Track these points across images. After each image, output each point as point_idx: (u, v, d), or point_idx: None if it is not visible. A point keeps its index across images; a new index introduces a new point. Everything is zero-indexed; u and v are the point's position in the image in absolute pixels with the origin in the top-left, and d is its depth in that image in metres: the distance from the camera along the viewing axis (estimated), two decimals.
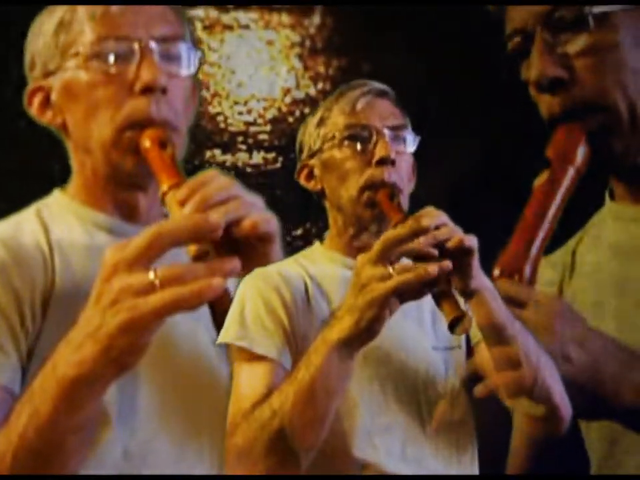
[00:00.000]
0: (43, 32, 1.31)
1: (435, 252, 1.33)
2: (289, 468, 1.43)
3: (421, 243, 1.34)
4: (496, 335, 1.33)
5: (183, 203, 1.04)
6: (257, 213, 1.05)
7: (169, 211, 1.08)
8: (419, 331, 1.67)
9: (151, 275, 0.94)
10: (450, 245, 1.34)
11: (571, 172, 1.31)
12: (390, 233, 1.37)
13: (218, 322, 1.01)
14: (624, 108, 1.29)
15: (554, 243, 1.40)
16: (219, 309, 1.00)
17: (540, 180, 1.32)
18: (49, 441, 1.03)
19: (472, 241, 1.35)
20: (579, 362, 1.27)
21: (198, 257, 1.00)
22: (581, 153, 1.31)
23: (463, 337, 1.68)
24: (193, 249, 1.01)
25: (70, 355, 0.99)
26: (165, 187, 1.09)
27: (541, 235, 1.28)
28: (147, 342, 0.96)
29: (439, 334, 1.67)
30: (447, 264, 1.31)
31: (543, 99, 1.33)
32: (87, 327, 0.97)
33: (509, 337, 1.30)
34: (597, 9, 1.28)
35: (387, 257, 1.35)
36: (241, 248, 1.03)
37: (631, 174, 1.38)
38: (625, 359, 1.27)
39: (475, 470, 1.66)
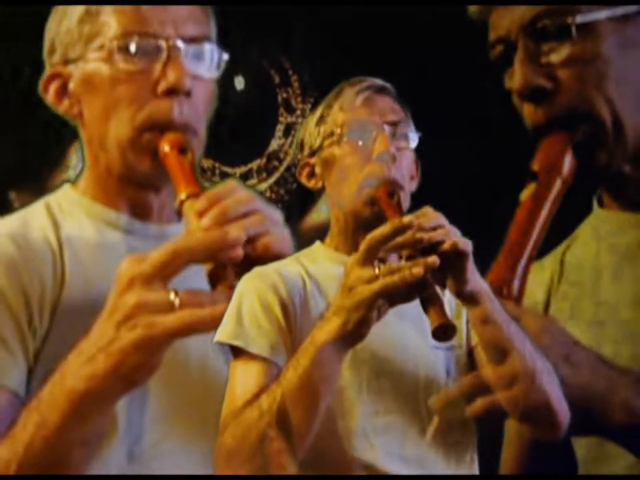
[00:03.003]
0: (67, 18, 1.27)
1: (424, 235, 1.32)
2: (277, 468, 1.42)
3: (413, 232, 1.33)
4: (492, 337, 1.32)
5: (201, 214, 1.01)
6: (274, 231, 1.04)
7: (186, 220, 1.05)
8: (418, 330, 1.65)
9: (171, 295, 0.93)
10: (444, 247, 1.32)
11: (557, 184, 1.31)
12: (374, 232, 1.37)
13: None
14: (608, 118, 1.29)
15: (543, 249, 1.40)
16: None
17: (526, 193, 1.32)
18: (55, 453, 1.01)
19: (466, 244, 1.34)
20: (566, 380, 1.27)
21: (214, 272, 0.98)
22: (567, 165, 1.31)
23: (464, 336, 1.67)
24: (209, 265, 0.99)
25: (80, 367, 0.97)
26: (183, 196, 1.07)
27: (529, 249, 1.28)
28: (159, 361, 0.95)
29: None
30: (433, 260, 1.30)
31: (526, 108, 1.33)
32: (100, 340, 0.95)
33: (506, 340, 1.30)
34: (580, 19, 1.27)
35: (373, 256, 1.35)
36: (255, 261, 1.02)
37: (616, 183, 1.37)
38: (613, 376, 1.27)
39: (474, 470, 1.65)
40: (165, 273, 0.94)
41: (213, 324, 0.92)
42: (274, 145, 3.81)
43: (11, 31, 2.77)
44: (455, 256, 1.32)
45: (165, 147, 1.19)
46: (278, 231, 1.04)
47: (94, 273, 1.23)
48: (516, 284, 1.26)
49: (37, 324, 1.20)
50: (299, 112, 3.78)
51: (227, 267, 0.98)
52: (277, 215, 1.06)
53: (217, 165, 3.61)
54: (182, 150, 1.17)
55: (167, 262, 0.94)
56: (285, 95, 3.82)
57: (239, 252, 0.96)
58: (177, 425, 1.27)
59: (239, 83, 3.76)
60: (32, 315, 1.19)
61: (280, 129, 3.81)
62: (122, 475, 1.22)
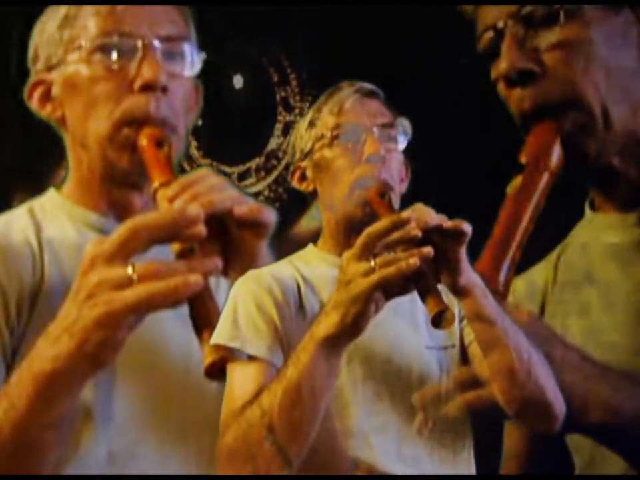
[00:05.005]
0: (47, 26, 1.31)
1: (418, 232, 1.31)
2: (278, 468, 1.42)
3: (411, 228, 1.32)
4: (486, 331, 1.33)
5: (172, 200, 1.04)
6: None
7: (159, 207, 1.07)
8: (412, 330, 1.67)
9: (129, 269, 0.93)
10: (447, 225, 1.31)
11: (545, 177, 1.30)
12: (371, 227, 1.36)
13: (196, 321, 0.99)
14: (596, 104, 1.28)
15: (539, 253, 1.40)
16: (198, 307, 0.98)
17: (513, 186, 1.31)
18: (25, 437, 1.02)
19: (468, 225, 1.32)
20: None
21: (181, 255, 0.99)
22: (555, 156, 1.30)
23: (457, 336, 1.67)
24: (176, 246, 0.99)
25: (46, 349, 0.98)
26: (156, 184, 1.09)
27: (515, 243, 1.27)
28: (123, 338, 0.95)
29: (433, 333, 1.66)
30: (428, 250, 1.30)
31: (512, 95, 1.32)
32: (64, 320, 0.97)
33: (500, 334, 1.31)
34: (569, 4, 1.27)
35: (369, 251, 1.35)
36: (228, 246, 1.04)
37: (608, 182, 1.37)
38: (595, 375, 1.27)
39: (471, 469, 1.66)
40: (125, 250, 0.94)
41: (172, 297, 0.92)
42: (272, 143, 3.81)
43: (10, 30, 2.79)
44: (453, 238, 1.31)
45: (143, 141, 1.21)
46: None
47: (72, 273, 1.22)
48: (501, 278, 1.25)
49: (15, 322, 1.22)
50: (297, 110, 3.78)
51: (193, 247, 0.99)
52: (251, 200, 1.08)
53: (215, 164, 3.62)
54: (159, 143, 1.20)
55: (126, 239, 0.94)
56: (283, 94, 3.83)
57: (200, 229, 0.96)
58: (155, 427, 1.28)
59: (238, 81, 3.77)
60: (10, 313, 1.22)
61: (278, 127, 3.82)
62: (106, 475, 1.23)
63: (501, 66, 1.30)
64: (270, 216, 1.06)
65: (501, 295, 1.28)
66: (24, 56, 1.37)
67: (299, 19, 3.54)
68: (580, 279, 1.42)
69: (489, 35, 1.33)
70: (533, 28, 1.29)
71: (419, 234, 1.31)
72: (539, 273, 1.49)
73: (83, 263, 0.97)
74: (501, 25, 1.30)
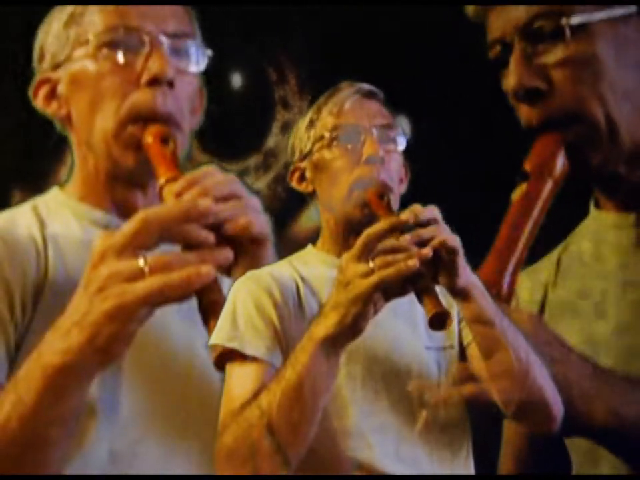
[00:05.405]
0: (53, 25, 1.32)
1: (414, 249, 1.32)
2: (277, 468, 1.42)
3: (405, 239, 1.34)
4: (485, 332, 1.34)
5: (179, 196, 1.04)
6: (252, 214, 1.06)
7: (166, 203, 1.08)
8: (411, 330, 1.67)
9: (141, 261, 0.94)
10: (434, 243, 1.33)
11: (549, 185, 1.31)
12: (371, 229, 1.38)
13: (205, 314, 1.00)
14: (601, 119, 1.29)
15: (541, 251, 1.40)
16: (207, 300, 0.99)
17: (518, 193, 1.33)
18: (32, 432, 1.01)
19: (455, 241, 1.34)
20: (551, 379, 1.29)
21: (187, 246, 0.99)
22: (559, 166, 1.31)
23: (456, 336, 1.68)
24: None
25: (56, 342, 0.98)
26: (162, 181, 1.10)
27: (519, 249, 1.28)
28: (134, 331, 0.95)
29: (432, 334, 1.66)
30: (427, 251, 1.31)
31: (521, 108, 1.33)
32: (74, 314, 0.97)
33: (498, 335, 1.31)
34: (575, 20, 1.28)
35: (369, 252, 1.36)
36: (234, 249, 1.04)
37: (610, 184, 1.38)
38: (598, 378, 1.29)
39: (470, 469, 1.66)
40: (136, 242, 0.95)
41: (184, 288, 0.93)
42: (271, 142, 3.81)
43: (10, 30, 2.79)
44: (445, 252, 1.33)
45: (148, 138, 1.21)
46: (255, 214, 1.06)
47: (76, 269, 1.23)
48: (505, 284, 1.27)
49: (19, 316, 1.22)
50: (296, 109, 3.78)
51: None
52: (255, 200, 1.08)
53: (214, 161, 3.62)
54: (164, 140, 1.20)
55: (137, 231, 0.95)
56: (282, 92, 3.83)
57: (207, 234, 0.97)
58: (158, 425, 1.28)
59: (236, 80, 3.77)
60: (14, 308, 1.22)
61: (277, 126, 3.82)
62: (109, 475, 1.23)
63: (509, 83, 1.32)
64: (261, 228, 1.06)
65: (504, 302, 1.29)
66: (27, 55, 1.37)
67: (298, 18, 3.54)
68: (582, 277, 1.43)
69: (498, 48, 1.34)
70: (540, 43, 1.30)
71: (417, 264, 1.31)
72: (542, 269, 1.50)
73: (92, 256, 0.97)
74: (508, 39, 1.31)
